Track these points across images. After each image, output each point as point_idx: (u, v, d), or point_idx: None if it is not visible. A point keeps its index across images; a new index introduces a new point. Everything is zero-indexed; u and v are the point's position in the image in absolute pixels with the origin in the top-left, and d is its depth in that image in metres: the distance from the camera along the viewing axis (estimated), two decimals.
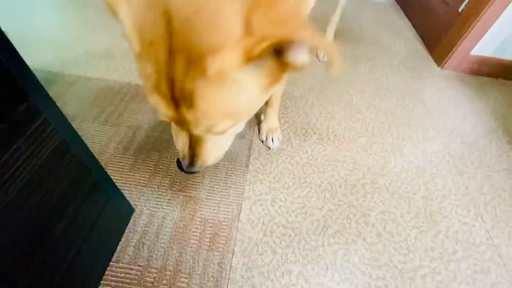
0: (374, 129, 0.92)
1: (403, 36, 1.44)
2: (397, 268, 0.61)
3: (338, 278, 0.59)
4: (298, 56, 0.25)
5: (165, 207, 0.66)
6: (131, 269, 0.56)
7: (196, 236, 0.62)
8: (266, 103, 0.80)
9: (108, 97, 0.92)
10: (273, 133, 0.82)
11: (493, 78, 1.21)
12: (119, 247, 0.59)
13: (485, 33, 1.08)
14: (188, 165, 0.39)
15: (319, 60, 1.17)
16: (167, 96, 0.26)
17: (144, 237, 0.61)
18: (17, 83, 0.30)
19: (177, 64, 0.24)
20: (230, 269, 0.58)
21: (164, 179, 0.72)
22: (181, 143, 0.38)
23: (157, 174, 0.73)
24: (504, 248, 0.66)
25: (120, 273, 0.56)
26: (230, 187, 0.72)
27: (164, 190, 0.70)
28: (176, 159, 0.72)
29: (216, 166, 0.76)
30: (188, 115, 0.27)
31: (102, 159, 0.75)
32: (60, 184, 0.39)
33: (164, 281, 0.55)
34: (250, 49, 0.22)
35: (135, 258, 0.58)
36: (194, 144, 0.37)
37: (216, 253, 0.60)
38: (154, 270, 0.57)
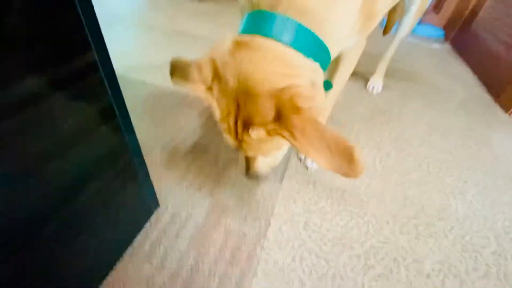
0: (429, 166, 0.81)
1: (461, 80, 1.34)
2: None
3: None
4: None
5: (190, 208, 0.62)
6: (143, 267, 0.51)
7: (216, 245, 0.56)
8: None
9: (158, 100, 0.97)
10: None
11: None
12: (136, 241, 0.55)
13: None
14: (245, 173, 0.53)
15: (367, 91, 1.13)
16: (233, 137, 0.42)
17: (163, 236, 0.57)
18: (86, 33, 0.31)
19: (238, 125, 0.40)
20: None
21: (195, 180, 0.69)
22: (240, 158, 0.53)
23: (188, 175, 0.70)
24: None
25: (132, 268, 0.51)
26: (260, 200, 0.66)
27: (192, 191, 0.66)
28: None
29: None
30: (243, 147, 0.43)
31: None
32: (94, 151, 0.38)
33: None
34: (271, 130, 0.36)
35: (150, 255, 0.53)
36: (248, 159, 0.51)
37: (235, 269, 0.52)
38: (167, 273, 0.51)
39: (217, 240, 0.57)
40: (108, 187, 0.43)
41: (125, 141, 0.43)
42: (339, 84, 0.69)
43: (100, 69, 0.34)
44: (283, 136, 0.34)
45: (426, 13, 1.88)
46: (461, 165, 0.83)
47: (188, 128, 0.85)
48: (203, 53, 0.42)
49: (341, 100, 1.08)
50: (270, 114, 0.34)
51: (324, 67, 0.43)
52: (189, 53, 1.31)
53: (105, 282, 0.49)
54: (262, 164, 0.51)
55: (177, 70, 0.44)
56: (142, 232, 0.57)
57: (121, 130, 0.41)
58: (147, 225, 0.58)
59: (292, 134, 0.32)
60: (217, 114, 0.40)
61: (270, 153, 0.47)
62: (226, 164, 0.74)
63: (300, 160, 0.78)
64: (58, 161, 0.32)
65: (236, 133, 0.40)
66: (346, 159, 0.32)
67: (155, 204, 0.61)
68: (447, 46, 1.74)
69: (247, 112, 0.37)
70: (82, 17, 0.30)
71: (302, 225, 0.62)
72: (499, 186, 0.77)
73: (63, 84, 0.30)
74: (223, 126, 0.42)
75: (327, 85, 0.46)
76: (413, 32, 1.89)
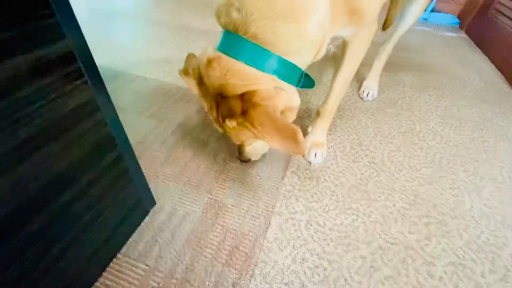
0: (442, 161, 0.76)
1: (477, 69, 1.26)
2: None
3: None
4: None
5: (187, 206, 0.60)
6: (137, 266, 0.50)
7: (213, 245, 0.54)
8: (318, 113, 0.72)
9: (159, 95, 0.95)
10: (317, 147, 0.72)
11: None
12: (130, 240, 0.54)
13: None
14: (238, 155, 0.65)
15: (362, 99, 1.00)
16: (218, 125, 0.52)
17: (159, 235, 0.55)
18: (60, 23, 0.29)
19: (219, 117, 0.48)
20: None
21: (193, 177, 0.67)
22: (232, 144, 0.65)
23: (186, 171, 0.68)
24: None
25: (125, 268, 0.49)
26: (260, 197, 0.63)
27: (190, 189, 0.64)
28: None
29: (248, 173, 0.69)
30: (228, 134, 0.52)
31: (139, 149, 0.74)
32: (79, 146, 0.36)
33: None
34: (239, 122, 0.43)
35: (144, 255, 0.52)
36: (240, 145, 0.60)
37: (232, 270, 0.50)
38: (161, 274, 0.49)
39: (214, 239, 0.55)
40: (96, 184, 0.41)
41: (111, 137, 0.41)
42: (343, 79, 0.65)
43: (77, 58, 0.32)
44: (247, 126, 0.42)
45: (440, 1, 1.79)
46: (476, 159, 0.77)
47: (187, 124, 0.83)
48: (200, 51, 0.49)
49: (348, 92, 1.03)
50: (238, 110, 0.44)
51: (294, 72, 0.47)
52: (191, 48, 1.28)
53: (97, 282, 0.47)
54: (252, 149, 0.60)
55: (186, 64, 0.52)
56: (137, 231, 0.55)
57: (106, 125, 0.39)
58: (143, 223, 0.56)
59: (252, 124, 0.41)
60: (205, 106, 0.51)
61: (249, 140, 0.54)
62: (225, 160, 0.72)
63: (303, 155, 0.74)
64: (36, 158, 0.30)
65: (220, 123, 0.50)
66: (292, 140, 0.42)
67: (151, 202, 0.59)
68: (462, 35, 1.65)
69: (223, 108, 0.46)
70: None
71: (304, 224, 0.59)
72: None
73: (38, 73, 0.28)
74: (211, 117, 0.51)
75: (309, 81, 0.53)
76: (426, 20, 1.79)
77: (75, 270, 0.42)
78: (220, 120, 0.48)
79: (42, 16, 0.27)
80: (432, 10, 1.81)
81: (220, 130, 0.53)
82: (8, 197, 0.29)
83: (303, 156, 0.74)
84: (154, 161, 0.70)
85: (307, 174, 0.70)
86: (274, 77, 0.45)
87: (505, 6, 1.34)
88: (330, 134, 0.82)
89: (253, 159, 0.65)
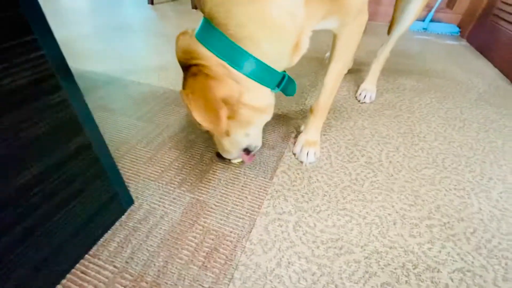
0: (445, 162, 0.70)
1: (481, 73, 1.22)
2: None
3: None
4: None
5: (166, 205, 0.56)
6: (105, 268, 0.45)
7: (191, 246, 0.49)
8: (310, 111, 0.69)
9: (150, 99, 0.94)
10: (310, 146, 0.68)
11: None
12: (102, 240, 0.50)
13: None
14: (216, 154, 0.65)
15: (359, 101, 0.96)
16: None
17: (133, 235, 0.51)
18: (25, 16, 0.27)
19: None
20: None
21: (176, 177, 0.63)
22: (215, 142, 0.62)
23: (170, 171, 0.65)
24: None
25: (92, 271, 0.45)
26: (246, 197, 0.59)
27: (172, 188, 0.60)
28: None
29: (235, 173, 0.65)
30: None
31: (123, 149, 0.71)
32: (37, 125, 0.33)
33: None
34: (185, 95, 0.42)
35: (114, 256, 0.47)
36: (218, 143, 0.59)
37: (209, 274, 0.45)
38: (129, 277, 0.44)
39: (192, 240, 0.50)
40: (57, 171, 0.38)
41: (77, 121, 0.38)
42: (334, 74, 0.62)
43: (31, 28, 0.30)
44: (184, 99, 0.41)
45: (439, 10, 1.79)
46: (483, 160, 0.72)
47: (176, 126, 0.81)
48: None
49: (345, 94, 1.00)
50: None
51: (252, 64, 0.43)
52: None
53: (59, 285, 0.43)
54: (228, 143, 0.56)
55: None
56: (111, 230, 0.51)
57: (70, 106, 0.37)
58: (117, 223, 0.53)
59: (186, 93, 0.41)
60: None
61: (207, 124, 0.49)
62: (212, 160, 0.69)
63: (295, 154, 0.70)
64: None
65: None
66: (215, 117, 0.41)
67: (129, 200, 0.55)
68: (463, 43, 1.63)
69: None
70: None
71: (292, 225, 0.54)
72: None
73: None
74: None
75: (291, 87, 0.52)
76: (426, 30, 1.79)
77: (30, 271, 0.38)
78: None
79: None
80: (432, 20, 1.81)
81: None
82: None
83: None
84: (137, 161, 0.68)
85: (298, 174, 0.65)
86: (224, 63, 0.42)
87: (504, 11, 1.33)
88: (324, 135, 0.78)
89: (227, 156, 0.60)
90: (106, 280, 0.44)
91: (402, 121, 0.86)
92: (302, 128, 0.74)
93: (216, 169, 0.66)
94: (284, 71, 0.50)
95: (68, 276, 0.44)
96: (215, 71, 0.42)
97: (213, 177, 0.64)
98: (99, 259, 0.47)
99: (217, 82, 0.42)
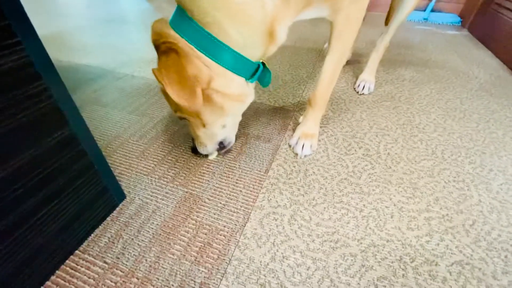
0: (444, 153, 0.69)
1: (482, 63, 1.20)
2: None
3: None
4: None
5: (159, 200, 0.55)
6: (95, 264, 0.44)
7: (183, 241, 0.48)
8: (308, 102, 0.67)
9: (144, 92, 0.92)
10: (306, 138, 0.67)
11: None
12: (93, 235, 0.48)
13: None
14: (191, 150, 0.64)
15: (357, 93, 0.94)
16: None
17: (124, 230, 0.50)
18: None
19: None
20: None
21: (169, 171, 0.62)
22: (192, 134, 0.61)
23: (163, 165, 0.63)
24: None
25: (81, 266, 0.44)
26: (240, 191, 0.57)
27: (164, 182, 0.59)
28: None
29: (230, 166, 0.63)
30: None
31: (116, 143, 0.70)
32: (16, 116, 0.32)
33: None
34: (158, 74, 0.42)
35: (105, 251, 0.46)
36: (194, 136, 0.59)
37: (201, 269, 0.44)
38: (120, 273, 0.43)
39: (185, 235, 0.49)
40: (41, 163, 0.36)
41: (60, 112, 0.37)
42: (332, 63, 0.60)
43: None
44: (157, 76, 0.40)
45: (440, 0, 1.75)
46: (483, 151, 0.70)
47: (170, 119, 0.79)
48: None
49: (343, 86, 0.98)
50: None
51: (221, 50, 0.43)
52: None
53: (48, 281, 0.42)
54: (204, 135, 0.56)
55: None
56: (102, 225, 0.50)
57: (51, 97, 0.35)
58: (109, 218, 0.51)
59: (159, 70, 0.40)
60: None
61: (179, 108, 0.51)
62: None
63: (290, 146, 0.69)
64: None
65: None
66: (190, 93, 0.41)
67: (120, 195, 0.54)
68: (464, 33, 1.59)
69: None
70: None
71: (287, 219, 0.52)
72: None
73: None
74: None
75: (265, 77, 0.53)
76: (427, 20, 1.75)
77: (15, 268, 0.37)
78: None
79: None
80: (433, 10, 1.77)
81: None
82: None
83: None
84: (130, 155, 0.66)
85: (294, 167, 0.64)
86: (192, 47, 0.42)
87: (507, 0, 1.29)
88: (321, 127, 0.76)
89: (203, 151, 0.60)
90: (96, 276, 0.43)
91: (401, 112, 0.85)
92: (300, 119, 0.72)
93: (210, 163, 0.64)
94: (260, 61, 0.49)
95: (57, 272, 0.43)
96: (184, 49, 0.42)
97: (207, 171, 0.62)
98: (89, 254, 0.46)
99: (187, 60, 0.42)
